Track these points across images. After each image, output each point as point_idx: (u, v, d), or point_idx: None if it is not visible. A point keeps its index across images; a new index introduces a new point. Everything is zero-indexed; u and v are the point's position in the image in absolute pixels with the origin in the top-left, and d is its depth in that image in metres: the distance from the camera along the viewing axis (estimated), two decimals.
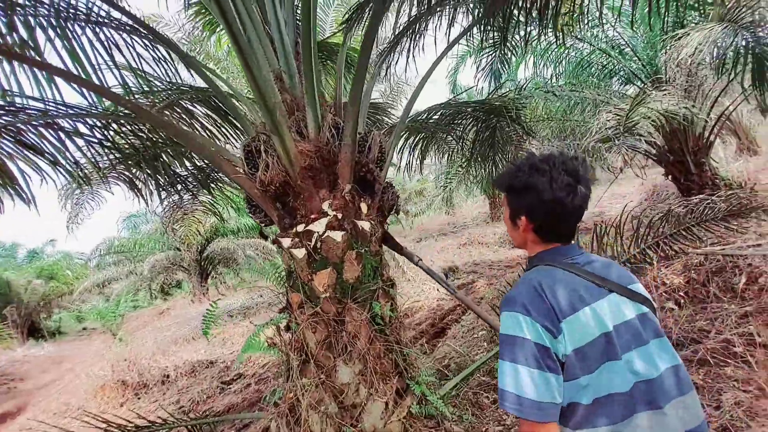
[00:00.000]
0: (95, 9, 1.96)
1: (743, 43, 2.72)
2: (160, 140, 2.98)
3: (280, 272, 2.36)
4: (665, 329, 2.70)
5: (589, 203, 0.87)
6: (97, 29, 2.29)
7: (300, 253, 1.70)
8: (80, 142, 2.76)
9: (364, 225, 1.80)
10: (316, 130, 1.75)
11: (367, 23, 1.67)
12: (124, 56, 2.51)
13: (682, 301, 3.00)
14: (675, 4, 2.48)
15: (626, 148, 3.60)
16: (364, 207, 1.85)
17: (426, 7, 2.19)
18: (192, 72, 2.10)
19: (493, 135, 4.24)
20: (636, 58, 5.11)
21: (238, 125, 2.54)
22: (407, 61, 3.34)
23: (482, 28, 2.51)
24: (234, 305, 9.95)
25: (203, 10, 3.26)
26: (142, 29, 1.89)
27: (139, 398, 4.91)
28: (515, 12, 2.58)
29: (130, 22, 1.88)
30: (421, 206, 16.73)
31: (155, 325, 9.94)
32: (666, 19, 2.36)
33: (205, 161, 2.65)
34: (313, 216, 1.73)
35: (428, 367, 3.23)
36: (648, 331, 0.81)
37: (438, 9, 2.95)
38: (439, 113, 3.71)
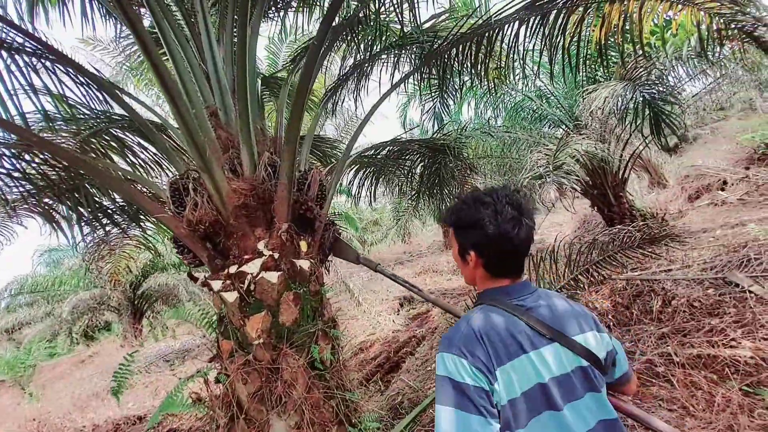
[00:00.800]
0: (11, 36, 1.81)
1: (641, 98, 3.19)
2: (81, 171, 2.74)
3: (210, 317, 2.18)
4: None
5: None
6: (14, 55, 2.12)
7: (231, 296, 1.60)
8: None
9: (303, 264, 1.75)
10: (251, 168, 1.72)
11: (302, 66, 1.70)
12: (43, 81, 2.34)
13: (611, 324, 3.24)
14: (585, 61, 2.87)
15: (556, 184, 3.94)
16: (303, 245, 1.80)
17: (368, 54, 2.30)
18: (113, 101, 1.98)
19: (438, 171, 4.46)
20: (560, 106, 5.76)
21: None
22: (354, 100, 3.47)
23: (421, 76, 2.69)
24: (170, 349, 9.01)
25: None
26: (59, 58, 1.77)
27: None
28: (450, 63, 2.82)
29: (48, 52, 1.76)
30: (378, 236, 16.81)
31: (75, 376, 8.65)
32: (578, 74, 2.71)
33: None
34: (246, 256, 1.65)
35: (376, 409, 3.12)
36: (582, 385, 0.78)
37: (382, 56, 3.15)
38: (387, 149, 3.84)
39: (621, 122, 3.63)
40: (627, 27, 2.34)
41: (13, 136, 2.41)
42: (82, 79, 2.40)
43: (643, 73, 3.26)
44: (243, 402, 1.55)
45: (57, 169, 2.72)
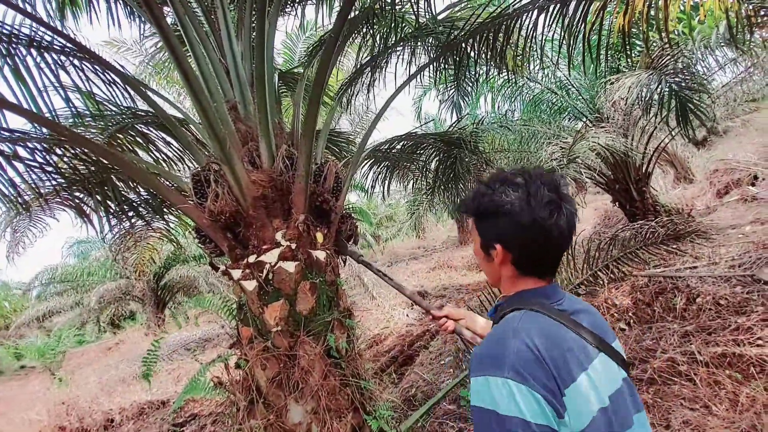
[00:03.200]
0: (40, 34, 1.90)
1: (667, 88, 3.07)
2: (108, 165, 2.86)
3: (230, 305, 2.24)
4: None
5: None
6: (44, 53, 2.22)
7: (250, 285, 1.65)
8: (20, 166, 2.61)
9: (319, 255, 1.78)
10: (270, 161, 1.76)
11: (318, 58, 1.72)
12: (72, 78, 2.44)
13: (631, 321, 3.17)
14: (606, 51, 2.78)
15: (570, 178, 3.85)
16: (319, 236, 1.84)
17: (383, 47, 2.30)
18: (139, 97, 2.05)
19: (454, 165, 4.43)
20: (581, 98, 5.60)
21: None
22: (367, 93, 3.47)
23: (436, 67, 2.67)
24: (192, 338, 9.33)
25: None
26: (86, 55, 1.85)
27: None
28: (467, 52, 2.79)
29: (76, 49, 1.83)
30: (392, 231, 16.83)
31: (102, 362, 9.08)
32: (599, 65, 2.64)
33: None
34: (265, 246, 1.69)
35: (391, 399, 3.16)
36: (632, 402, 0.66)
37: (397, 48, 3.14)
38: (401, 143, 3.83)
39: (646, 113, 3.50)
40: (652, 14, 2.26)
41: (44, 130, 2.55)
42: (108, 76, 2.50)
43: (669, 61, 3.13)
44: (262, 387, 1.61)
45: (87, 163, 2.84)
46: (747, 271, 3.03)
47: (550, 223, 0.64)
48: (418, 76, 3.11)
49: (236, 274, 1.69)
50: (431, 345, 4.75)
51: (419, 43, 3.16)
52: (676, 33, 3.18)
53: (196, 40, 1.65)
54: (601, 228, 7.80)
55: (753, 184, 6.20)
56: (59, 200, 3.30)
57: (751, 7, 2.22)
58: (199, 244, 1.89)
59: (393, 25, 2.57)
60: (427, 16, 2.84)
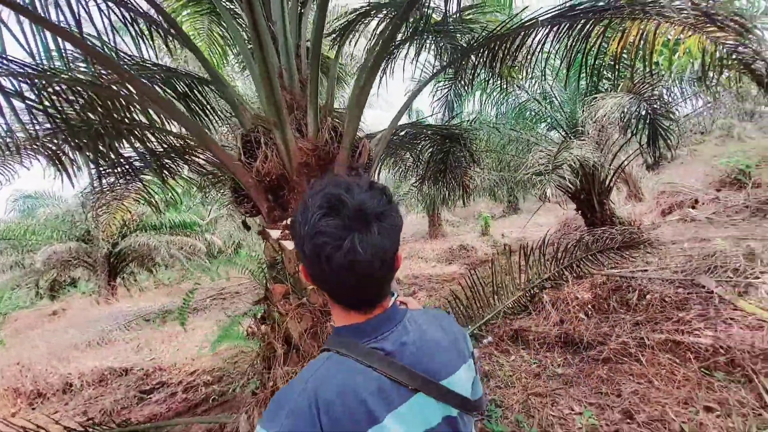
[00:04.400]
0: None
1: (643, 111, 3.51)
2: (113, 116, 2.73)
3: (248, 267, 2.30)
4: (577, 335, 3.25)
5: (385, 259, 0.58)
6: None
7: (290, 244, 1.76)
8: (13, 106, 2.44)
9: None
10: (315, 131, 1.86)
11: (377, 49, 1.84)
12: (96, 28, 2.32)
13: (590, 312, 3.63)
14: (595, 71, 3.13)
15: (554, 182, 4.25)
16: None
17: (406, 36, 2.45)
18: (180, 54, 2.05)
19: (445, 158, 4.69)
20: (561, 110, 6.08)
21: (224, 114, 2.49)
22: (380, 80, 3.61)
23: (456, 68, 2.86)
24: (151, 308, 8.96)
25: None
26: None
27: (34, 409, 4.18)
28: (475, 60, 3.01)
29: None
30: None
31: (47, 327, 8.44)
32: (581, 81, 2.97)
33: (183, 142, 2.51)
34: None
35: None
36: None
37: (415, 39, 3.30)
38: (405, 131, 4.01)
39: (624, 132, 3.96)
40: (641, 44, 2.60)
41: (47, 64, 2.37)
42: (133, 29, 2.40)
43: (648, 89, 3.57)
44: (293, 338, 1.74)
45: (85, 108, 2.68)
46: (688, 276, 3.58)
47: (326, 255, 0.55)
48: (415, 72, 3.33)
49: (275, 233, 1.79)
50: None
51: (431, 38, 3.35)
52: (657, 64, 3.61)
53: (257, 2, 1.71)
54: (562, 233, 8.51)
55: (693, 207, 7.08)
56: (36, 147, 3.10)
57: (725, 50, 2.63)
58: (234, 204, 1.96)
59: (421, 20, 2.71)
60: (450, 16, 3.02)
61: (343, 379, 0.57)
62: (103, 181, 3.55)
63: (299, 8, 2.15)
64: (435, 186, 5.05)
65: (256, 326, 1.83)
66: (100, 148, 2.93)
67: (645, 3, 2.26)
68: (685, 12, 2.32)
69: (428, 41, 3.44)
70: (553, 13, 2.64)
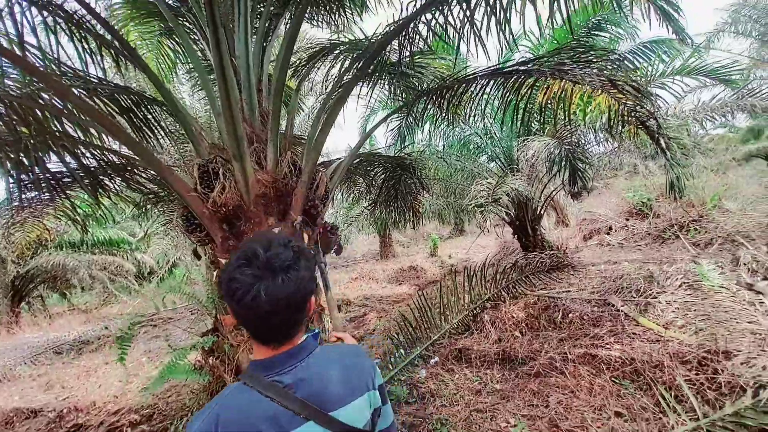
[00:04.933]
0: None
1: (564, 153, 4.07)
2: (44, 128, 2.54)
3: (198, 299, 2.19)
4: (513, 351, 3.55)
5: (285, 308, 0.71)
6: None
7: None
8: None
9: None
10: (274, 163, 1.94)
11: (340, 90, 2.00)
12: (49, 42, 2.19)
13: (524, 330, 3.99)
14: (525, 115, 3.62)
15: (493, 213, 4.67)
16: (306, 237, 2.06)
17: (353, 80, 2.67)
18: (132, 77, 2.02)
19: (397, 184, 4.95)
20: (499, 145, 6.74)
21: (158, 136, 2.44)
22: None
23: (396, 108, 3.12)
24: (64, 339, 7.85)
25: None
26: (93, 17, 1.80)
27: None
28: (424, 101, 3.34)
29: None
30: None
31: None
32: (518, 124, 3.42)
33: (125, 160, 2.41)
34: None
35: None
36: None
37: (366, 79, 3.55)
38: (358, 159, 4.19)
39: (549, 170, 4.53)
40: (562, 96, 3.10)
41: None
42: (85, 46, 2.30)
43: (567, 134, 4.17)
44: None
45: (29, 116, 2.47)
46: (602, 296, 4.12)
47: (237, 298, 0.69)
48: (369, 96, 3.60)
49: None
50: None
51: (389, 81, 3.64)
52: (575, 113, 4.24)
53: (223, 39, 1.78)
54: (501, 255, 9.18)
55: (608, 233, 8.12)
56: None
57: (626, 108, 3.20)
58: (186, 232, 1.93)
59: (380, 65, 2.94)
60: (404, 61, 3.32)
61: (244, 406, 0.70)
62: (23, 195, 3.24)
63: (263, 42, 2.24)
64: (387, 210, 5.26)
65: (204, 359, 1.79)
66: (24, 161, 2.71)
67: (563, 70, 2.71)
68: (592, 79, 2.82)
69: (383, 80, 3.71)
70: (491, 70, 3.05)
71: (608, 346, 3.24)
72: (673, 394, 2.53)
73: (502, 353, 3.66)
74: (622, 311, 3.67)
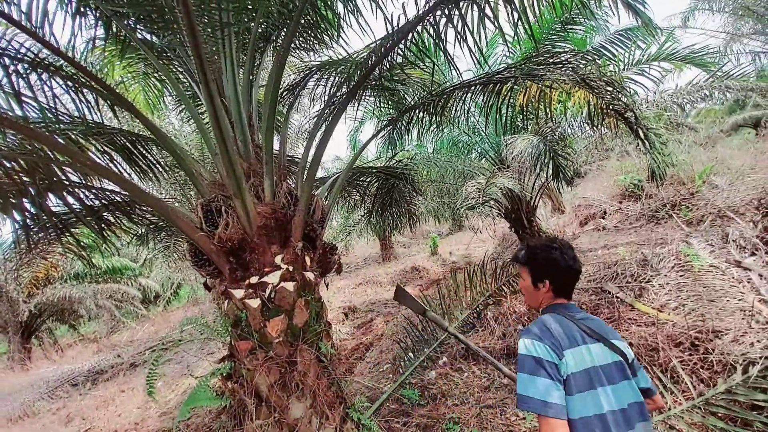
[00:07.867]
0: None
1: (547, 149, 4.20)
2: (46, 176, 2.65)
3: (204, 322, 2.30)
4: (517, 346, 3.67)
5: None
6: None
7: (254, 302, 1.90)
8: None
9: (310, 275, 2.12)
10: (272, 195, 2.05)
11: (325, 125, 2.11)
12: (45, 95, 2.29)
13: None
14: (512, 117, 3.75)
15: (484, 214, 4.79)
16: (308, 260, 2.18)
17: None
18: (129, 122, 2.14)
19: (390, 192, 5.07)
20: (488, 141, 6.87)
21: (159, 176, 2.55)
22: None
23: (386, 123, 3.25)
24: (78, 371, 7.94)
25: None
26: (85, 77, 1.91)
27: None
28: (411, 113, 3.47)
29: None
30: None
31: None
32: (503, 123, 3.55)
33: (127, 198, 2.52)
34: (267, 269, 1.97)
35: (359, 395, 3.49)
36: (619, 374, 1.06)
37: (355, 98, 3.67)
38: (351, 173, 4.31)
39: (534, 167, 4.67)
40: (541, 96, 3.23)
41: None
42: (76, 96, 2.41)
43: (549, 131, 4.30)
44: (262, 391, 1.86)
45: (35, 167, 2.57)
46: (598, 284, 4.25)
47: (575, 267, 1.19)
48: (356, 110, 3.73)
49: (239, 293, 1.92)
50: (367, 356, 5.17)
51: (376, 95, 3.77)
52: (556, 110, 4.37)
53: (212, 79, 1.90)
54: (501, 248, 9.31)
55: (603, 218, 8.25)
56: None
57: (604, 102, 3.33)
58: (195, 267, 2.04)
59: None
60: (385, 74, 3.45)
61: (561, 321, 1.12)
62: (30, 237, 3.36)
63: (250, 76, 2.36)
64: (383, 217, 5.38)
65: (223, 384, 1.90)
66: (29, 208, 2.82)
67: (537, 75, 2.83)
68: (567, 80, 2.95)
69: (370, 95, 3.84)
70: (468, 81, 3.19)
71: None
72: (669, 375, 2.65)
73: (507, 348, 3.78)
74: (618, 297, 3.79)
